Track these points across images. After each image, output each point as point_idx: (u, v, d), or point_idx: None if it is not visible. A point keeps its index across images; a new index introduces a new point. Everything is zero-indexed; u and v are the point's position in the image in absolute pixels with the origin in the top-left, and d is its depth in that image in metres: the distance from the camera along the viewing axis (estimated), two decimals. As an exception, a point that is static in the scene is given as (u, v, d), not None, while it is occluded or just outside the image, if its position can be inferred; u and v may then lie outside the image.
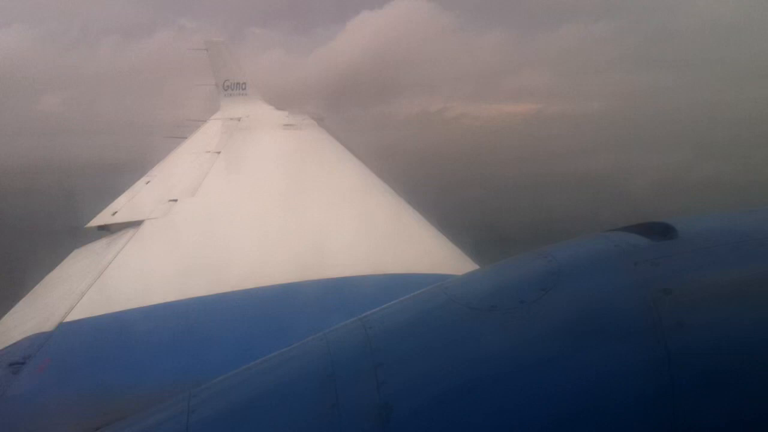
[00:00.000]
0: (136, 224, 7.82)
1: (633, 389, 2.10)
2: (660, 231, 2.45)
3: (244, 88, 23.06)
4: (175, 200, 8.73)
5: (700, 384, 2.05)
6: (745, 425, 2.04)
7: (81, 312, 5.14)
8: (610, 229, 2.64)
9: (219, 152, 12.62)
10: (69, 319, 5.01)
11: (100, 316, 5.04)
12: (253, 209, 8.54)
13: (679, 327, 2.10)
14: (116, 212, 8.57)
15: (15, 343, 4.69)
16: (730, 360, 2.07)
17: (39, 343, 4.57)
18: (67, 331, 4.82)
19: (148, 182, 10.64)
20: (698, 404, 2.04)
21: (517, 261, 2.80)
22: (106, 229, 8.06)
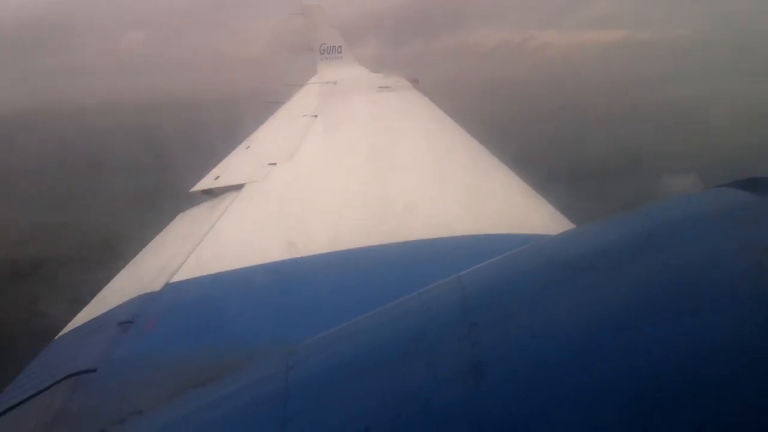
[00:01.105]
0: (237, 188, 8.05)
1: (737, 355, 1.97)
2: (766, 186, 2.31)
3: (340, 52, 23.23)
4: (274, 164, 8.92)
5: None
6: None
7: (186, 273, 5.34)
8: (716, 185, 2.50)
9: (316, 116, 12.78)
10: (175, 279, 5.22)
11: (206, 275, 5.23)
12: (350, 172, 8.62)
13: None
14: (218, 177, 8.84)
15: (124, 303, 4.92)
16: None
17: (147, 302, 4.78)
18: (173, 291, 5.01)
19: (248, 147, 10.90)
20: None
21: (614, 220, 2.70)
22: (209, 193, 8.33)
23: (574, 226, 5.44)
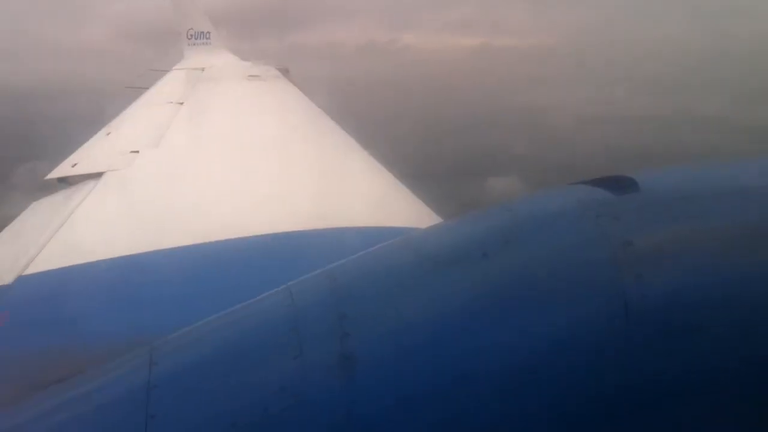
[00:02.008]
0: (96, 176, 7.67)
1: (590, 342, 2.14)
2: (623, 185, 2.46)
3: (208, 38, 22.60)
4: (137, 152, 8.58)
5: (655, 337, 2.09)
6: (699, 379, 2.09)
7: (40, 265, 5.07)
8: (573, 183, 2.66)
9: (182, 103, 12.40)
10: (28, 272, 4.95)
11: (60, 268, 4.99)
12: (216, 161, 8.45)
13: (638, 279, 2.13)
14: (76, 164, 8.41)
15: None
16: (687, 314, 2.10)
17: None
18: (26, 284, 4.76)
19: (109, 133, 10.44)
20: (653, 357, 2.08)
21: (480, 214, 2.83)
22: (65, 182, 7.91)
23: (441, 220, 5.59)
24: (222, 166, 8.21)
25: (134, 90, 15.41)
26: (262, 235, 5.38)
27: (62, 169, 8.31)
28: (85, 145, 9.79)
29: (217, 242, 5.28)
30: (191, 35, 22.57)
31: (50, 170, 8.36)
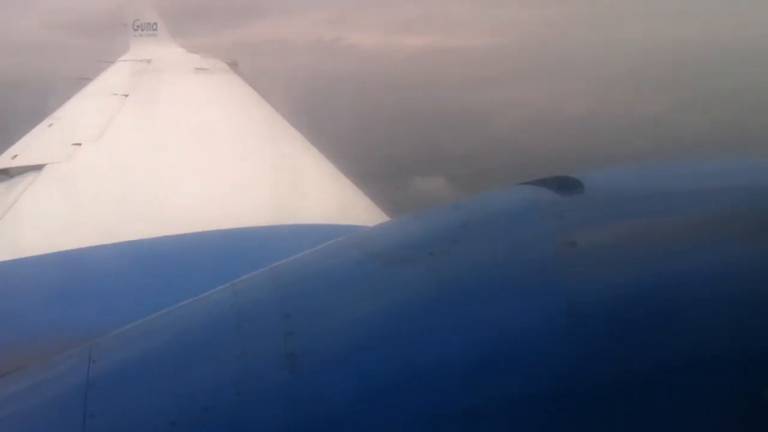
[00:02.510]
0: (37, 168, 7.55)
1: (535, 340, 2.20)
2: (568, 185, 2.52)
3: (155, 29, 22.07)
4: (79, 144, 8.46)
5: (598, 337, 2.15)
6: (640, 378, 2.14)
7: None
8: (520, 183, 2.71)
9: (127, 95, 12.21)
10: None
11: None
12: (161, 155, 8.36)
13: (581, 279, 2.20)
14: (16, 155, 8.25)
15: None
16: (630, 313, 2.16)
17: None
18: None
19: (51, 125, 10.23)
20: (596, 357, 2.14)
21: (428, 214, 2.86)
22: (5, 173, 7.75)
23: (389, 219, 5.64)
24: (166, 160, 8.14)
25: (79, 81, 15.07)
26: (205, 232, 5.36)
27: (2, 161, 8.14)
28: (27, 136, 9.59)
29: (159, 238, 5.25)
30: (138, 26, 22.03)
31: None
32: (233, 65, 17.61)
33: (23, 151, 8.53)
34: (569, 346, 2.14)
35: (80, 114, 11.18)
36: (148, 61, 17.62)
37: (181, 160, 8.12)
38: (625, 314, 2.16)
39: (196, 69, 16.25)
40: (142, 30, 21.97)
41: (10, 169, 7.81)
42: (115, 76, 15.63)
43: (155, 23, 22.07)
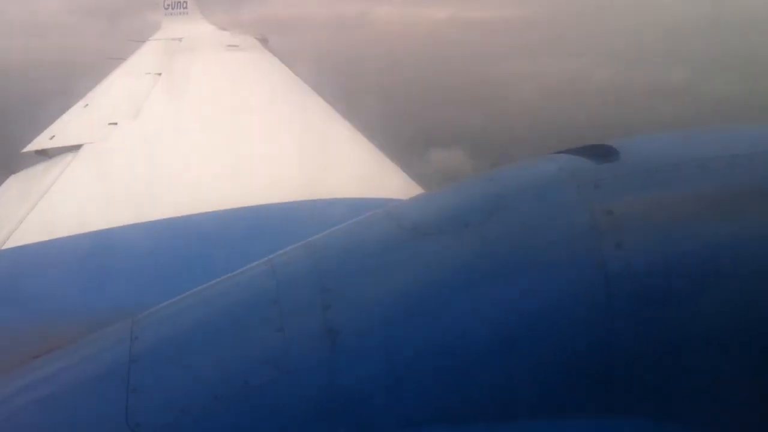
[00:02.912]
0: (75, 149, 7.63)
1: (572, 310, 2.19)
2: (603, 153, 2.49)
3: (185, 7, 22.11)
4: (115, 123, 8.52)
5: (635, 306, 2.14)
6: (679, 347, 2.14)
7: (20, 239, 5.07)
8: (554, 152, 2.67)
9: (160, 74, 12.25)
10: (7, 246, 4.94)
11: (40, 242, 4.98)
12: (196, 133, 8.40)
13: (618, 248, 2.17)
14: (54, 136, 8.33)
15: None
16: (667, 281, 2.15)
17: None
18: (5, 258, 4.76)
19: (87, 105, 10.32)
20: (633, 326, 2.13)
21: (463, 185, 2.85)
22: (44, 154, 7.85)
23: (424, 192, 5.60)
24: (201, 137, 8.17)
25: (113, 61, 15.17)
26: (242, 208, 5.38)
27: (40, 142, 8.24)
28: (63, 117, 9.69)
29: (198, 215, 5.28)
30: (168, 5, 22.09)
31: (28, 143, 8.28)
32: (263, 41, 17.57)
33: (60, 131, 8.61)
34: (608, 317, 2.13)
35: (115, 94, 11.26)
36: (180, 40, 17.66)
37: (216, 138, 8.14)
38: (661, 283, 2.14)
39: (228, 46, 16.24)
40: (173, 9, 22.02)
41: (48, 150, 7.89)
42: (147, 56, 15.71)
43: (185, 1, 22.10)
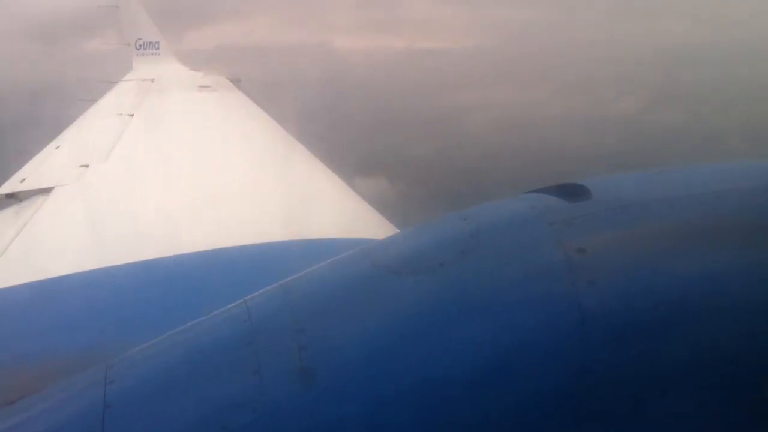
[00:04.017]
0: (46, 191, 7.57)
1: (547, 345, 2.20)
2: (575, 192, 2.53)
3: (158, 48, 22.15)
4: (87, 165, 8.48)
5: (610, 341, 2.16)
6: (650, 381, 2.16)
7: None
8: (527, 191, 2.72)
9: (132, 115, 12.24)
10: None
11: (10, 287, 4.92)
12: (168, 175, 8.36)
13: (591, 285, 2.20)
14: (24, 179, 8.27)
15: None
16: (640, 317, 2.17)
17: None
18: None
19: (58, 147, 10.27)
20: (609, 361, 2.15)
21: (436, 224, 2.86)
22: (14, 197, 7.77)
23: (398, 231, 5.63)
24: (173, 179, 8.14)
25: (85, 102, 15.13)
26: (216, 249, 5.37)
27: (10, 185, 8.16)
28: (34, 159, 9.63)
29: (171, 257, 5.25)
30: (140, 45, 22.11)
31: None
32: (236, 81, 17.65)
33: (31, 174, 8.56)
34: (583, 353, 2.15)
35: (87, 135, 11.22)
36: (152, 80, 17.67)
37: (189, 179, 8.12)
38: (635, 319, 2.17)
39: (200, 87, 16.30)
40: (145, 49, 22.04)
41: (19, 193, 7.82)
42: (119, 96, 15.69)
43: (158, 42, 22.15)
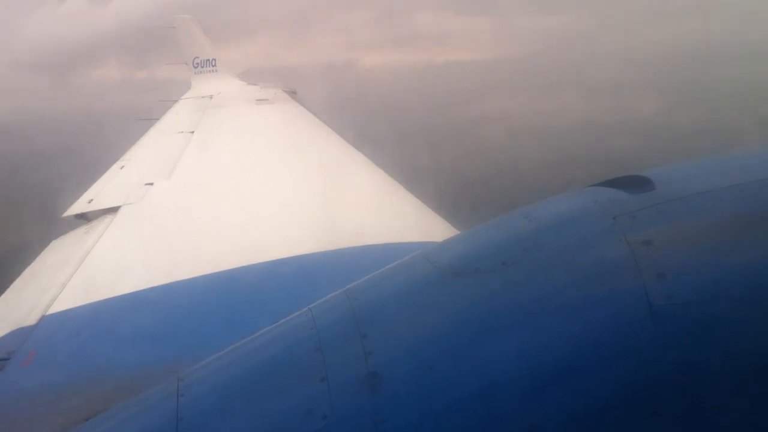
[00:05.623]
0: (113, 210, 7.76)
1: (617, 342, 2.12)
2: (637, 183, 2.46)
3: (214, 65, 22.69)
4: (151, 184, 8.65)
5: (682, 335, 2.07)
6: (725, 375, 2.06)
7: (64, 303, 5.11)
8: (588, 185, 2.65)
9: (192, 132, 12.46)
10: (52, 311, 4.98)
11: (83, 305, 5.02)
12: (231, 188, 8.49)
13: (660, 278, 2.12)
14: (92, 200, 8.47)
15: None
16: (710, 309, 2.09)
17: (22, 337, 4.56)
18: (50, 323, 4.79)
19: (123, 167, 10.51)
20: (680, 354, 2.06)
21: (497, 223, 2.80)
22: (83, 218, 7.98)
23: (458, 232, 5.57)
24: (236, 192, 8.23)
25: (146, 121, 15.48)
26: (279, 259, 5.41)
27: (79, 206, 8.38)
28: (100, 179, 9.87)
29: (236, 269, 5.31)
30: (197, 63, 22.67)
31: (67, 207, 8.42)
32: (292, 93, 17.87)
33: (98, 194, 8.76)
34: (655, 348, 2.07)
35: (149, 154, 11.47)
36: (210, 97, 18.02)
37: (250, 191, 8.19)
38: (706, 313, 2.09)
39: (257, 100, 16.54)
40: (202, 67, 22.57)
41: (88, 213, 8.01)
42: (179, 115, 16.05)
43: (214, 59, 22.65)
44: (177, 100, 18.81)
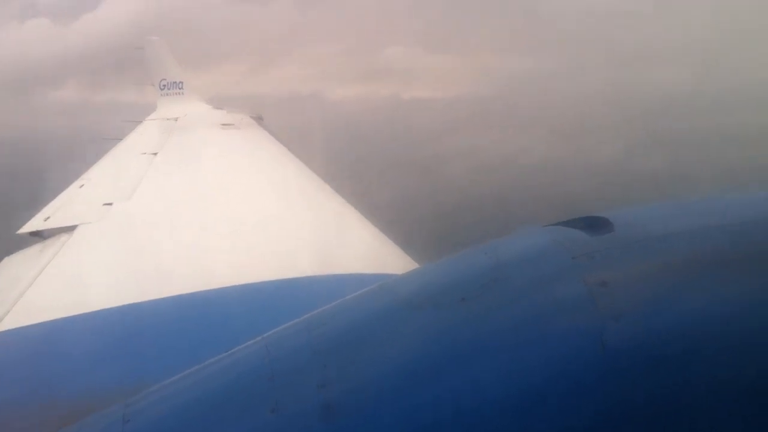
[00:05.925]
0: (69, 229, 7.62)
1: (570, 383, 2.14)
2: (597, 225, 2.49)
3: (181, 88, 22.55)
4: (110, 204, 8.53)
5: (635, 376, 2.09)
6: (681, 415, 2.08)
7: (13, 321, 5.00)
8: (548, 224, 2.67)
9: (156, 153, 12.35)
10: (2, 327, 4.88)
11: (33, 325, 4.91)
12: (191, 212, 8.42)
13: (615, 320, 2.14)
14: (48, 217, 8.34)
15: None
16: (665, 351, 2.11)
17: None
18: (1, 340, 4.68)
19: (82, 186, 10.36)
20: (634, 396, 2.08)
21: (457, 258, 2.81)
22: (38, 235, 7.84)
23: (419, 266, 5.60)
24: (196, 216, 8.17)
25: (107, 141, 15.32)
26: (236, 286, 5.36)
27: (35, 223, 8.23)
28: (58, 197, 9.72)
29: (190, 294, 5.24)
30: (164, 85, 22.52)
31: (22, 224, 8.27)
32: (258, 119, 17.82)
33: (55, 212, 8.62)
34: (607, 389, 2.09)
35: (110, 174, 11.33)
36: (175, 119, 17.88)
37: (212, 216, 8.15)
38: (659, 355, 2.10)
39: (223, 124, 16.45)
40: (169, 89, 22.42)
41: (44, 231, 7.88)
42: (143, 135, 15.89)
43: (181, 82, 22.52)
44: (141, 121, 18.64)
